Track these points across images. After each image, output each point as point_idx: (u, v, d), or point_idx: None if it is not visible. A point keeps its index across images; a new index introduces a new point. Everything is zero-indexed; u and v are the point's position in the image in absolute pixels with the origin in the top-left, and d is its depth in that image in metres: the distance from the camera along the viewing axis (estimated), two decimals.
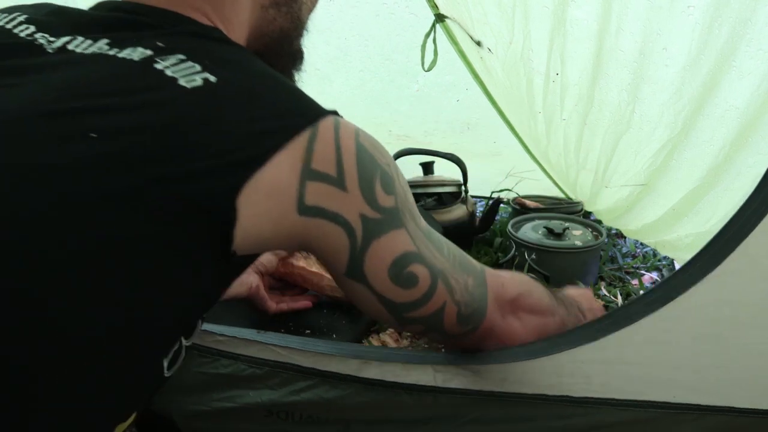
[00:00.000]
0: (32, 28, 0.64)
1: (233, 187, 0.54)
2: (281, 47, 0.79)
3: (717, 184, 1.22)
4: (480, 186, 1.71)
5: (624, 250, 1.61)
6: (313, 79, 1.65)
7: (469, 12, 1.36)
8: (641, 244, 1.61)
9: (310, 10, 0.82)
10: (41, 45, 0.61)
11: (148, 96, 0.55)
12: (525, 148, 1.68)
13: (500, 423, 0.73)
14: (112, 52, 0.59)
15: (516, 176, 1.71)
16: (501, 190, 1.71)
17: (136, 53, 0.59)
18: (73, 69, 0.58)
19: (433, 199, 1.57)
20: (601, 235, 1.36)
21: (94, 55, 0.59)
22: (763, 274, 0.69)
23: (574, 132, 1.44)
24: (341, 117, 0.64)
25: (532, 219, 1.46)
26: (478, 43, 1.40)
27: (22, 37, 0.62)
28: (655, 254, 1.55)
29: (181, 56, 0.59)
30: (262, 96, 0.60)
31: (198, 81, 0.57)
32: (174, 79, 0.57)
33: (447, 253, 0.69)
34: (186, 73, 0.57)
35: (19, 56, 0.60)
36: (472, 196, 1.65)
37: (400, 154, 1.63)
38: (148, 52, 0.59)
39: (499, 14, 1.30)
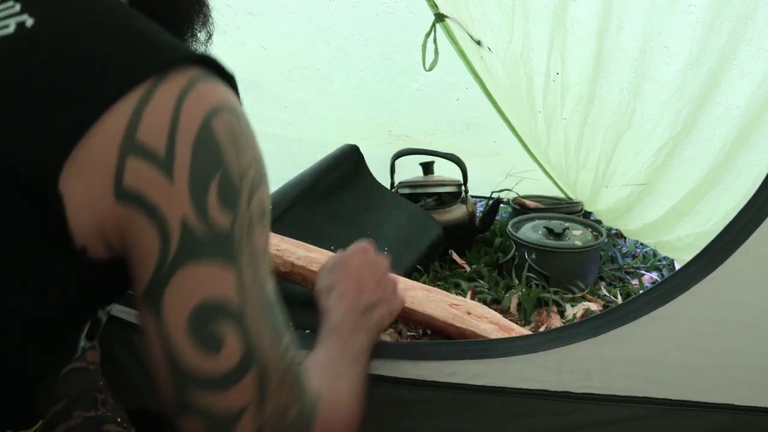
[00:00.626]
0: None
1: (52, 166, 0.43)
2: None
3: (717, 183, 1.22)
4: (480, 186, 1.70)
5: (624, 250, 1.61)
6: (313, 79, 1.66)
7: (469, 11, 1.36)
8: (641, 244, 1.61)
9: None
10: None
11: None
12: (525, 148, 1.68)
13: (501, 418, 0.73)
14: None
15: (516, 176, 1.71)
16: (501, 190, 1.71)
17: None
18: None
19: (433, 199, 1.57)
20: (601, 235, 1.35)
21: None
22: (764, 275, 0.68)
23: (574, 131, 1.43)
24: (215, 79, 0.49)
25: (532, 219, 1.46)
26: (478, 43, 1.40)
27: None
28: (655, 254, 1.54)
29: None
30: (94, 39, 0.47)
31: (10, 27, 0.46)
32: None
33: (284, 350, 0.50)
34: (5, 21, 0.47)
35: None
36: (472, 196, 1.65)
37: (400, 154, 1.63)
38: None
39: (499, 13, 1.30)
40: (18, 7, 0.47)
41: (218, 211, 0.47)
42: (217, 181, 0.47)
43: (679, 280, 0.69)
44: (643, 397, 0.70)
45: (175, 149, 0.46)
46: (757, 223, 0.67)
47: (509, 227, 1.41)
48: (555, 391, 0.71)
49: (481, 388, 0.73)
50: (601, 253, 1.54)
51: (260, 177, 0.50)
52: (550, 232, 1.34)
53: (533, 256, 1.30)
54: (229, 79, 0.52)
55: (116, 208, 0.45)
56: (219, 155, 0.47)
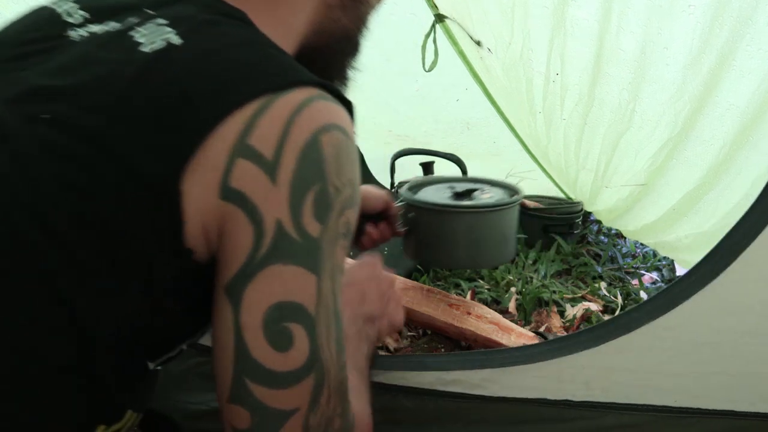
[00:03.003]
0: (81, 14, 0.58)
1: (174, 167, 0.47)
2: (341, 45, 0.74)
3: (717, 183, 1.22)
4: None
5: (624, 250, 1.61)
6: None
7: (469, 12, 1.36)
8: (641, 244, 1.61)
9: (374, 8, 0.76)
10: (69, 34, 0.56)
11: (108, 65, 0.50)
12: (525, 148, 1.67)
13: (501, 427, 0.73)
14: (99, 28, 0.55)
15: (516, 176, 1.71)
16: None
17: (120, 24, 0.54)
18: (65, 52, 0.54)
19: None
20: (518, 192, 1.12)
21: (90, 36, 0.55)
22: (763, 284, 0.69)
23: (574, 132, 1.43)
24: (333, 102, 0.52)
25: (436, 182, 1.22)
26: (478, 43, 1.40)
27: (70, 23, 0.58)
28: (654, 254, 1.55)
29: (163, 21, 0.53)
30: (227, 57, 0.51)
31: (160, 43, 0.51)
32: (138, 44, 0.51)
33: (342, 364, 0.52)
34: (154, 37, 0.51)
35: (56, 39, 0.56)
36: None
37: (400, 154, 1.63)
38: (133, 20, 0.54)
39: (499, 14, 1.30)
40: (171, 31, 0.52)
41: (311, 220, 0.49)
42: (315, 191, 0.49)
43: (680, 289, 0.69)
44: (644, 405, 0.70)
45: (282, 155, 0.48)
46: (757, 231, 0.67)
47: (405, 189, 1.14)
48: (555, 400, 0.71)
49: (481, 398, 0.73)
50: (602, 253, 1.54)
51: (353, 199, 0.53)
52: (455, 194, 1.12)
53: (429, 221, 1.06)
54: (347, 105, 0.55)
55: (220, 205, 0.48)
56: (321, 168, 0.50)
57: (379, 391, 0.74)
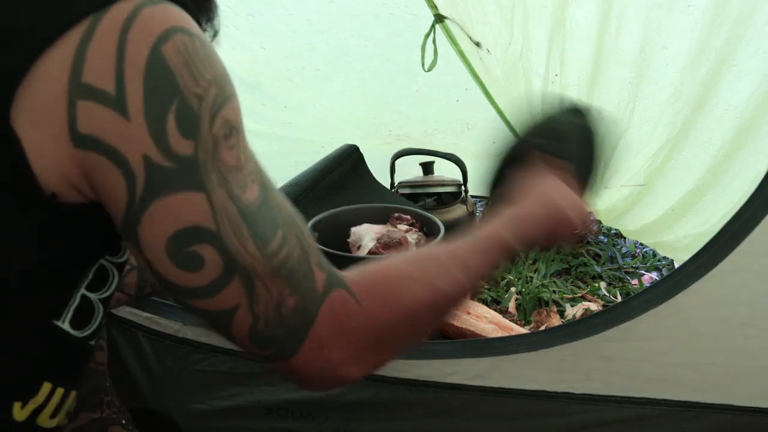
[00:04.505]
0: None
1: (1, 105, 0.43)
2: None
3: (716, 184, 1.22)
4: (480, 186, 1.71)
5: (624, 250, 1.61)
6: (313, 80, 1.66)
7: (469, 12, 1.36)
8: (641, 244, 1.61)
9: None
10: None
11: None
12: None
13: (501, 419, 0.73)
14: None
15: None
16: None
17: None
18: None
19: (433, 199, 1.57)
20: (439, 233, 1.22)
21: None
22: (762, 274, 0.69)
23: None
24: (163, 3, 0.47)
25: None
26: (477, 44, 1.40)
27: None
28: (654, 254, 1.55)
29: None
30: None
31: None
32: None
33: (273, 251, 0.51)
34: None
35: None
36: (472, 196, 1.65)
37: (400, 154, 1.63)
38: None
39: (499, 14, 1.30)
40: None
41: (179, 142, 0.46)
42: (174, 110, 0.45)
43: (679, 278, 0.69)
44: (643, 398, 0.70)
45: (125, 85, 0.44)
46: (756, 221, 0.67)
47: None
48: (555, 392, 0.71)
49: (481, 389, 0.73)
50: (601, 252, 1.54)
51: (224, 96, 0.48)
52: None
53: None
54: (182, 3, 0.49)
55: (76, 154, 0.45)
56: (173, 82, 0.45)
57: (377, 384, 0.74)
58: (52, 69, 0.44)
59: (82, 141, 0.44)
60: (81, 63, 0.44)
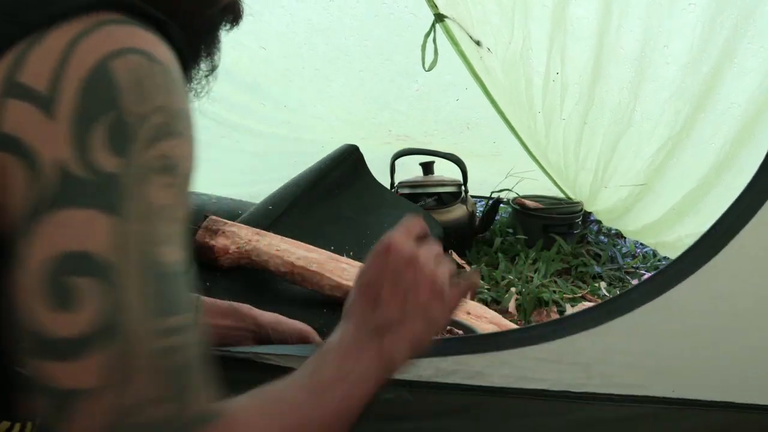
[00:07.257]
0: None
1: None
2: None
3: (718, 183, 1.22)
4: (480, 186, 1.70)
5: (624, 250, 1.61)
6: (313, 80, 1.66)
7: (469, 11, 1.36)
8: (641, 244, 1.60)
9: None
10: None
11: None
12: (525, 148, 1.67)
13: (501, 418, 0.73)
14: None
15: (516, 176, 1.70)
16: (501, 190, 1.71)
17: None
18: None
19: (433, 199, 1.57)
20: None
21: None
22: (757, 267, 0.68)
23: (573, 132, 1.43)
24: (138, 27, 0.44)
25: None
26: (478, 43, 1.40)
27: None
28: (654, 254, 1.54)
29: None
30: None
31: None
32: None
33: (167, 330, 0.41)
34: None
35: None
36: (472, 196, 1.65)
37: (400, 154, 1.63)
38: None
39: (499, 13, 1.30)
40: None
41: (104, 155, 0.41)
42: (106, 123, 0.41)
43: (676, 270, 0.68)
44: (642, 396, 0.70)
45: (58, 87, 0.41)
46: (753, 211, 0.66)
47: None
48: (554, 391, 0.71)
49: (480, 389, 0.72)
50: (601, 252, 1.54)
51: (170, 129, 0.44)
52: None
53: None
54: (165, 32, 0.47)
55: None
56: (113, 96, 0.42)
57: None
58: None
59: (3, 141, 0.41)
60: (20, 63, 0.42)
